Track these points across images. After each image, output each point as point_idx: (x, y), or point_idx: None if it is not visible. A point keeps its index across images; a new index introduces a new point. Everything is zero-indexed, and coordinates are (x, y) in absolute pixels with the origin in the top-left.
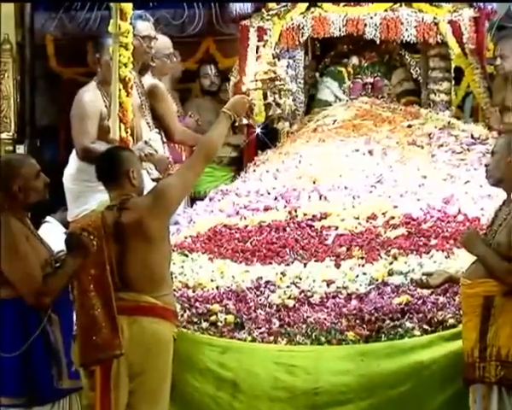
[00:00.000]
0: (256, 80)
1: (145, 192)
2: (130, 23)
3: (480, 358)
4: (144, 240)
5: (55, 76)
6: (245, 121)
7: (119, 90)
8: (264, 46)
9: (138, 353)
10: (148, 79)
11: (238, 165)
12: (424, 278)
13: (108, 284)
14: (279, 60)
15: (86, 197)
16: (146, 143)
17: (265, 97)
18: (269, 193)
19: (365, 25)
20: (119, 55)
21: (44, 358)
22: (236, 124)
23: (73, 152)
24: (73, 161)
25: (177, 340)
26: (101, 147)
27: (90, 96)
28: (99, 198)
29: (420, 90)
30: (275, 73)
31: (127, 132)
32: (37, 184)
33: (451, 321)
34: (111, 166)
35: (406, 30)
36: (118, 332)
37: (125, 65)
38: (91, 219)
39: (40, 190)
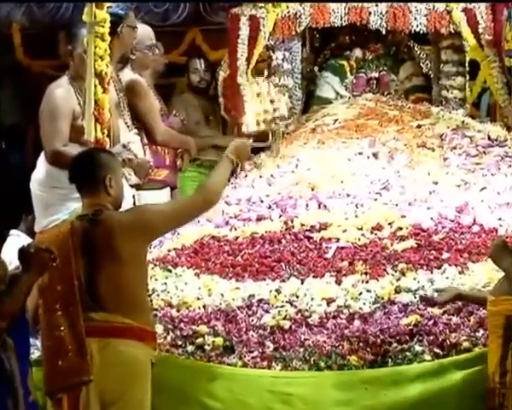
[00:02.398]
0: (258, 123)
1: (124, 203)
2: (108, 11)
3: (501, 384)
4: (114, 260)
5: (23, 70)
6: (248, 167)
7: (95, 85)
8: (267, 77)
9: (111, 379)
10: (127, 74)
11: None
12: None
13: (76, 301)
14: (273, 52)
15: (56, 206)
16: (124, 146)
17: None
18: (262, 201)
19: (369, 13)
20: (95, 47)
21: None
22: (238, 169)
23: (42, 155)
24: (42, 165)
25: (160, 366)
26: (74, 150)
27: (61, 92)
28: (71, 207)
29: (430, 86)
30: (277, 110)
31: (103, 133)
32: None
33: (466, 344)
34: (86, 169)
35: (415, 19)
36: (86, 356)
37: (101, 58)
38: (59, 230)
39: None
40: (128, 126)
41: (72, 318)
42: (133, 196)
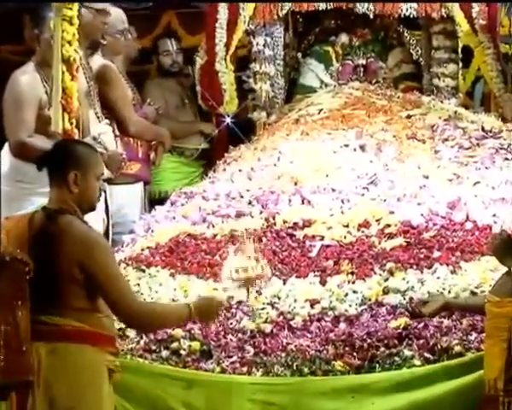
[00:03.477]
0: (234, 279)
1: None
2: None
3: (505, 391)
4: (63, 263)
5: None
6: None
7: (63, 72)
8: None
9: (60, 386)
10: (98, 60)
11: (210, 159)
12: (418, 304)
13: (25, 297)
14: (254, 37)
15: (21, 202)
16: (95, 139)
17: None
18: (242, 196)
19: None
20: (63, 31)
21: None
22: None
23: (6, 147)
24: (6, 157)
25: (130, 373)
26: (40, 142)
27: (27, 79)
28: (36, 203)
29: (421, 73)
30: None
31: (72, 124)
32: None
33: (458, 348)
34: (52, 160)
35: (405, 3)
36: (26, 354)
37: (70, 43)
38: (21, 218)
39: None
40: (98, 117)
41: (20, 313)
42: (104, 192)
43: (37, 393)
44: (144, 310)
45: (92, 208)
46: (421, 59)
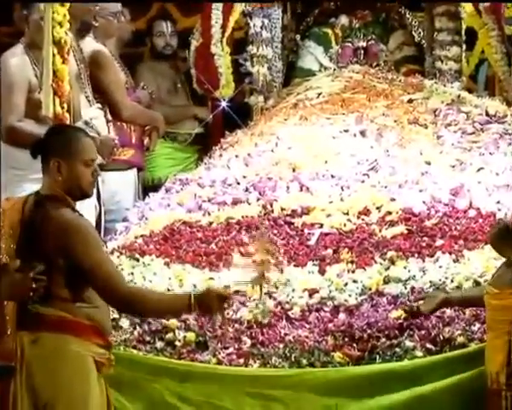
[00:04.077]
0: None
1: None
2: None
3: (508, 385)
4: (46, 251)
5: None
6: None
7: (53, 55)
8: None
9: (41, 377)
10: (89, 43)
11: (205, 145)
12: (415, 303)
13: None
14: (251, 19)
15: (12, 188)
16: (86, 123)
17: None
18: (238, 183)
19: None
20: (53, 12)
21: None
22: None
23: None
24: None
25: (123, 365)
26: (30, 126)
27: (16, 62)
28: (28, 189)
29: (423, 56)
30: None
31: (63, 108)
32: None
33: (461, 339)
34: (39, 146)
35: None
36: (11, 338)
37: (60, 24)
38: (17, 200)
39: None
40: (89, 100)
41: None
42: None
43: (19, 382)
44: (135, 294)
45: (85, 195)
46: (423, 41)
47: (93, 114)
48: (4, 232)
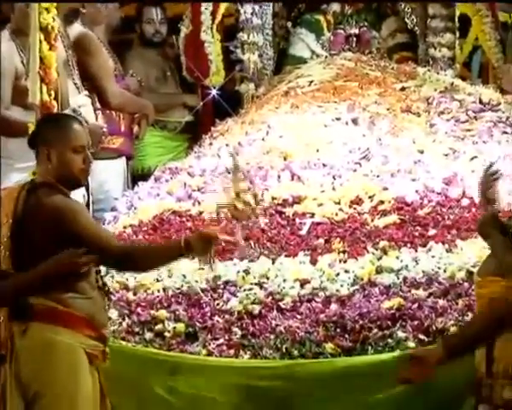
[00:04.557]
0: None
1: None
2: None
3: (487, 373)
4: (36, 239)
5: None
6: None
7: (40, 41)
8: None
9: (31, 369)
10: (77, 29)
11: (195, 133)
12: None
13: None
14: (241, 5)
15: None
16: (74, 111)
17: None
18: (229, 172)
19: None
20: None
21: None
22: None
23: None
24: None
25: (112, 356)
26: (17, 114)
27: (1, 49)
28: (15, 179)
29: (416, 43)
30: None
31: (50, 95)
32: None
33: (453, 330)
34: (31, 135)
35: None
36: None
37: (47, 10)
38: (14, 188)
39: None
40: (78, 87)
41: None
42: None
43: (8, 372)
44: (126, 248)
45: (77, 182)
46: (416, 28)
47: (81, 102)
48: (1, 222)
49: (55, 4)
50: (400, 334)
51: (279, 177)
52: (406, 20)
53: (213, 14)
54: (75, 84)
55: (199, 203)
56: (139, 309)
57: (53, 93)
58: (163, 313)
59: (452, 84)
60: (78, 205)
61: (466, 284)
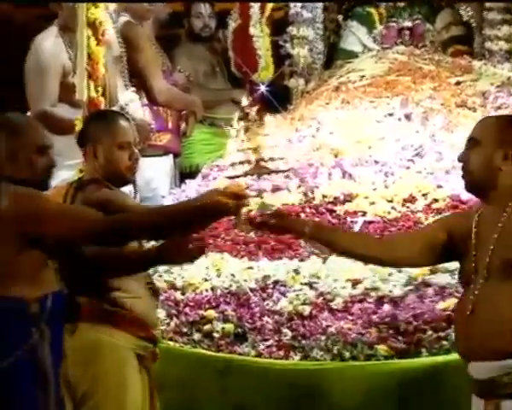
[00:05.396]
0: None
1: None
2: None
3: None
4: None
5: (4, 19)
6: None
7: (88, 37)
8: None
9: (79, 370)
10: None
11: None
12: None
13: None
14: None
15: None
16: (122, 109)
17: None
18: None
19: None
20: None
21: (30, 378)
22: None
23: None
24: None
25: (160, 357)
26: (64, 111)
27: (49, 45)
28: (62, 177)
29: (472, 36)
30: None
31: (97, 92)
32: (37, 160)
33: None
34: (82, 129)
35: None
36: None
37: (95, 4)
38: (62, 186)
39: (37, 169)
40: (126, 84)
41: None
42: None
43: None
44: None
45: (124, 179)
46: (472, 20)
47: (129, 98)
48: None
49: None
50: None
51: (330, 174)
52: (461, 12)
53: (262, 7)
54: (124, 80)
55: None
56: (187, 309)
57: (100, 89)
58: (211, 313)
59: (509, 78)
60: (123, 193)
61: None
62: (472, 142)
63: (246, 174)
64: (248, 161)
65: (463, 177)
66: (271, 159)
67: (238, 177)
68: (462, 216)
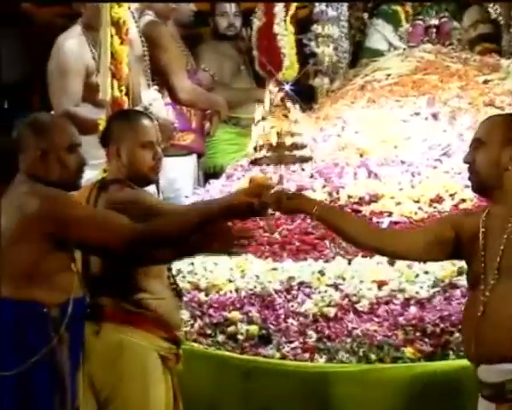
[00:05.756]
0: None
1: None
2: None
3: None
4: None
5: (27, 19)
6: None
7: (111, 36)
8: None
9: (103, 373)
10: (148, 21)
11: None
12: None
13: None
14: None
15: None
16: (145, 109)
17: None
18: (303, 169)
19: None
20: None
21: (48, 383)
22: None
23: None
24: None
25: (184, 358)
26: (87, 111)
27: (72, 44)
28: (86, 177)
29: (500, 34)
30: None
31: (121, 91)
32: (67, 159)
33: None
34: (101, 133)
35: None
36: None
37: (119, 3)
38: (84, 188)
39: (69, 168)
40: (149, 84)
41: None
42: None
43: (82, 378)
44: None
45: (147, 179)
46: (500, 18)
47: (152, 97)
48: None
49: None
50: None
51: (355, 174)
52: (489, 9)
53: (287, 5)
54: (147, 79)
55: None
56: (211, 310)
57: (124, 89)
58: (236, 314)
59: None
60: (146, 192)
61: None
62: (477, 142)
63: (267, 159)
64: (270, 145)
65: (470, 178)
66: (294, 145)
67: (261, 163)
68: (470, 215)
